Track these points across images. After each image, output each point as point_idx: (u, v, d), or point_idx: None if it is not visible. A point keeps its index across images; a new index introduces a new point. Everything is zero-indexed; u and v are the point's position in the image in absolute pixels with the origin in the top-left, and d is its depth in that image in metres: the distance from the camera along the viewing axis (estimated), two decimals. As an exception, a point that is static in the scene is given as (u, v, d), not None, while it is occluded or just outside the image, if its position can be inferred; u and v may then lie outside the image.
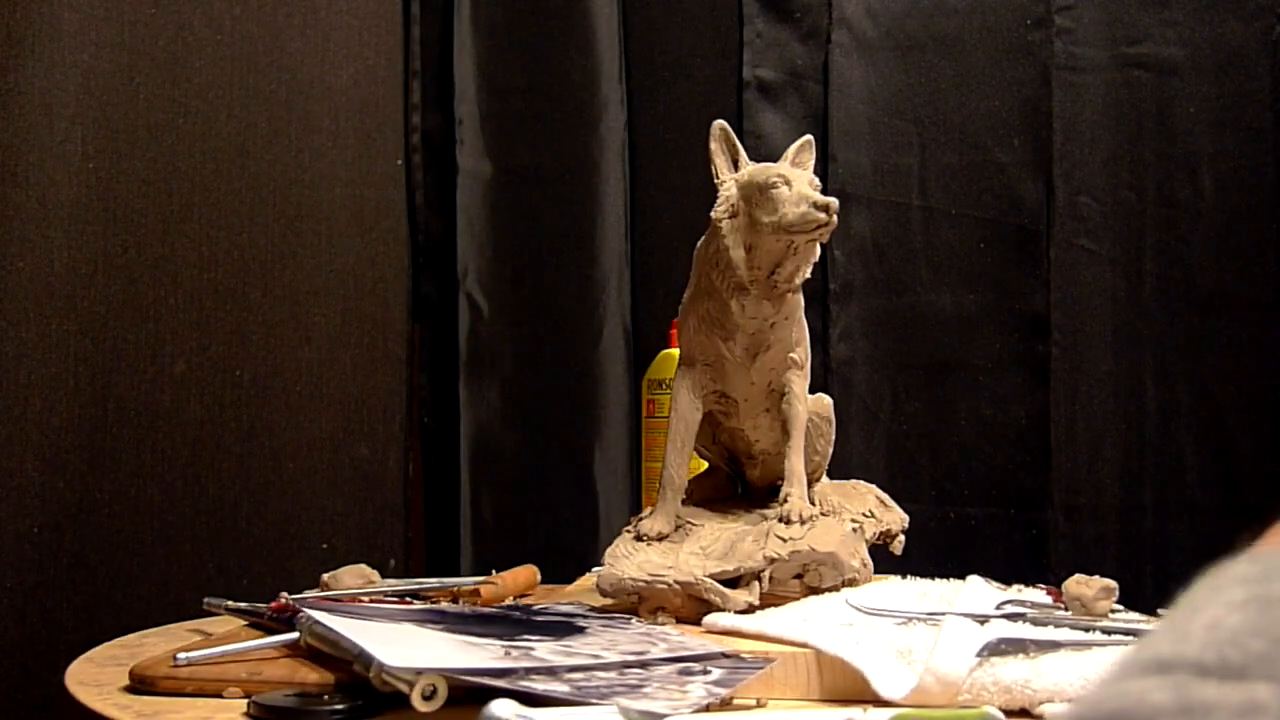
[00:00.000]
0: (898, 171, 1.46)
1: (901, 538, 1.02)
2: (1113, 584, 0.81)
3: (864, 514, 0.97)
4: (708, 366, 0.94)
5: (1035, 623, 0.75)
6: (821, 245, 1.48)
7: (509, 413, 1.47)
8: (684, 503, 0.97)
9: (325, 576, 0.96)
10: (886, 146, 1.46)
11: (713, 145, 0.92)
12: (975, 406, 1.44)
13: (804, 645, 0.72)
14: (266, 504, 1.31)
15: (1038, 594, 0.91)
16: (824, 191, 1.46)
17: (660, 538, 0.91)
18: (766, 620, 0.79)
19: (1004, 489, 1.44)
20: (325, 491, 1.36)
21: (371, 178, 1.44)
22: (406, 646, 0.67)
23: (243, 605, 0.89)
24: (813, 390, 0.98)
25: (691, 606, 0.84)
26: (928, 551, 1.18)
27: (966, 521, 1.42)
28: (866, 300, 1.44)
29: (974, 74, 1.45)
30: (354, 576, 0.95)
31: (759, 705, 0.68)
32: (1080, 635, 0.72)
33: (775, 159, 0.94)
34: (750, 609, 0.84)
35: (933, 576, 1.04)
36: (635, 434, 1.43)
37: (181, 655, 0.72)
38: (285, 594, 0.87)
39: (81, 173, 1.17)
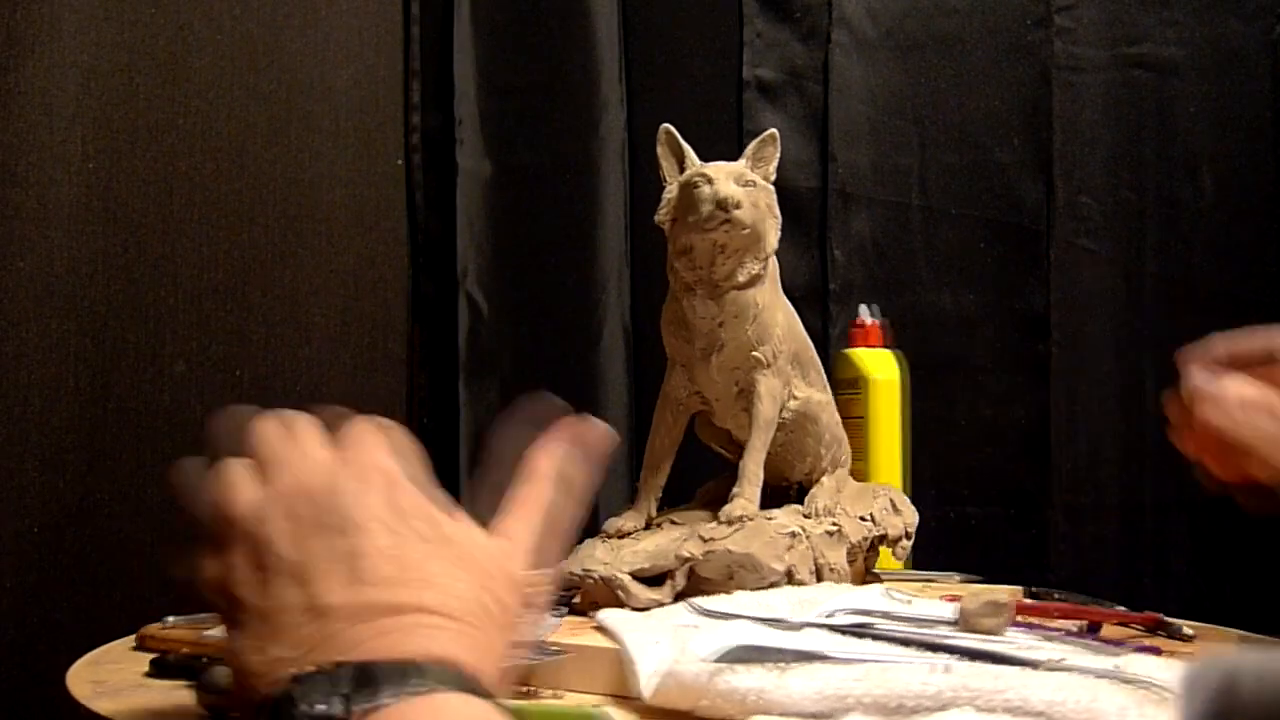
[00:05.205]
0: (898, 171, 1.46)
1: (905, 543, 1.00)
2: (1004, 601, 0.76)
3: (861, 518, 0.96)
4: (683, 367, 0.94)
5: (857, 634, 0.72)
6: (820, 245, 1.50)
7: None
8: (692, 502, 0.97)
9: None
10: (886, 146, 1.46)
11: (659, 149, 0.93)
12: (975, 406, 1.44)
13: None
14: (266, 504, 1.31)
15: (937, 605, 0.85)
16: (824, 191, 1.48)
17: (622, 535, 0.91)
18: (613, 616, 0.79)
19: (1004, 489, 1.44)
20: (325, 491, 1.35)
21: (371, 178, 1.44)
22: None
23: None
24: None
25: (616, 601, 0.85)
26: (927, 552, 1.18)
27: (966, 521, 1.42)
28: (866, 300, 1.43)
29: (974, 74, 1.45)
30: None
31: (554, 696, 0.69)
32: (870, 649, 0.68)
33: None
34: (654, 606, 0.84)
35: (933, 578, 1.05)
36: (635, 434, 1.43)
37: (170, 618, 0.85)
38: None
39: (81, 173, 1.17)
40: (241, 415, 0.54)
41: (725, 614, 0.77)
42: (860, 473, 1.17)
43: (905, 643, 0.70)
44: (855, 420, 1.20)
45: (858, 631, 0.72)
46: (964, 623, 0.75)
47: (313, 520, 0.49)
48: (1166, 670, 0.63)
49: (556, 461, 0.57)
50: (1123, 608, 0.88)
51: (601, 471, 0.57)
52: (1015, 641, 0.72)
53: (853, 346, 1.24)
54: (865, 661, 0.64)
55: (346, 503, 0.49)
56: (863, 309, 1.27)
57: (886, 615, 0.77)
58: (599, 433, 0.58)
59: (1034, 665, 0.63)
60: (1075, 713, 0.56)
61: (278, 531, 0.49)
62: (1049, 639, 0.75)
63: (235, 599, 0.48)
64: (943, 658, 0.66)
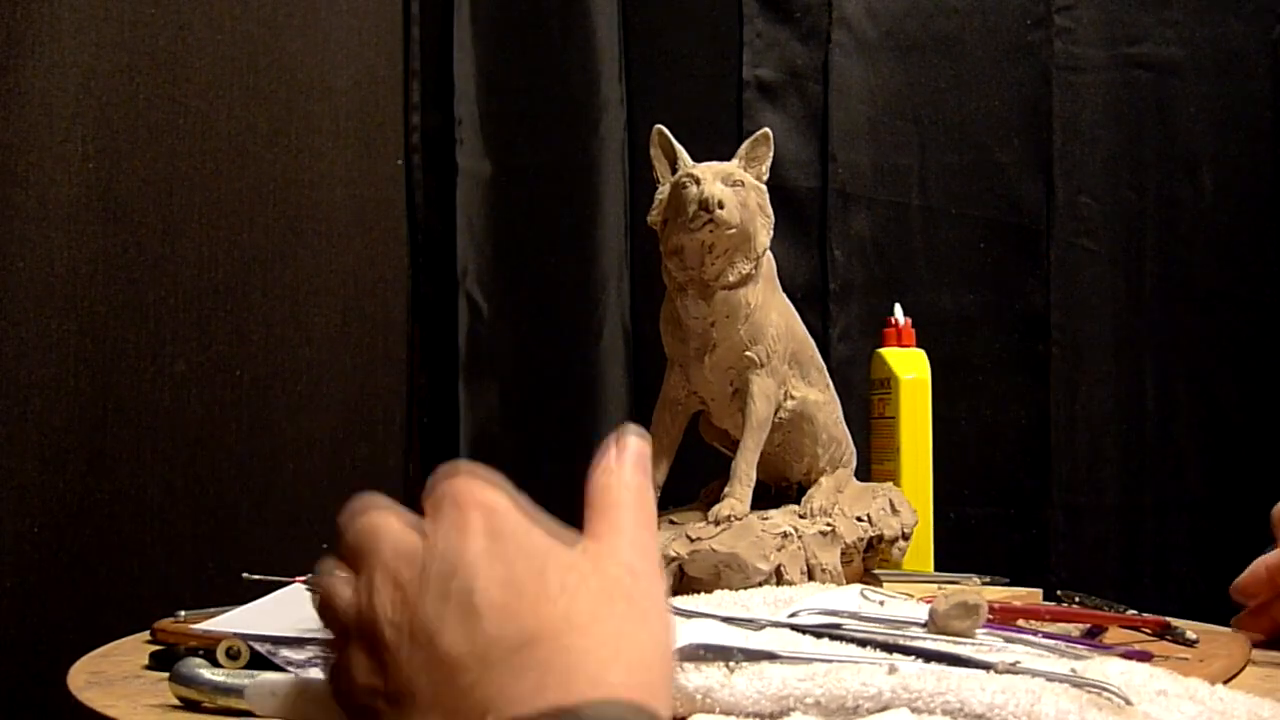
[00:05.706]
0: (898, 171, 1.46)
1: (902, 544, 1.00)
2: (975, 602, 0.73)
3: (858, 518, 0.96)
4: (680, 367, 0.95)
5: (817, 634, 0.70)
6: (820, 245, 1.50)
7: (509, 413, 1.47)
8: (696, 502, 0.97)
9: None
10: (886, 146, 1.46)
11: (652, 150, 0.93)
12: (975, 406, 1.44)
13: None
14: (266, 504, 1.31)
15: (912, 606, 0.81)
16: (824, 191, 1.48)
17: None
18: None
19: (1004, 489, 1.44)
20: (325, 491, 1.36)
21: (371, 178, 1.44)
22: (261, 615, 0.78)
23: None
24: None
25: None
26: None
27: (966, 521, 1.42)
28: (866, 300, 1.44)
29: (974, 74, 1.45)
30: None
31: None
32: (826, 649, 0.67)
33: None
34: None
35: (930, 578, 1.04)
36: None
37: (181, 612, 0.87)
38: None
39: (81, 173, 1.18)
40: (362, 508, 0.52)
41: (691, 612, 0.76)
42: (891, 473, 1.17)
43: (864, 643, 0.69)
44: (887, 420, 1.19)
45: (818, 632, 0.71)
46: (934, 624, 0.74)
47: (417, 578, 0.46)
48: (1126, 675, 0.62)
49: (620, 477, 0.53)
50: (1134, 611, 0.87)
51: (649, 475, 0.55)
52: (981, 644, 0.71)
53: (885, 346, 1.23)
54: (814, 661, 0.63)
55: (448, 547, 0.46)
56: (897, 308, 1.25)
57: (854, 616, 0.75)
58: (637, 441, 0.54)
59: (988, 668, 0.63)
60: (1015, 716, 0.55)
61: (384, 604, 0.45)
62: (1019, 641, 0.73)
63: (363, 692, 0.45)
64: (897, 659, 0.65)
